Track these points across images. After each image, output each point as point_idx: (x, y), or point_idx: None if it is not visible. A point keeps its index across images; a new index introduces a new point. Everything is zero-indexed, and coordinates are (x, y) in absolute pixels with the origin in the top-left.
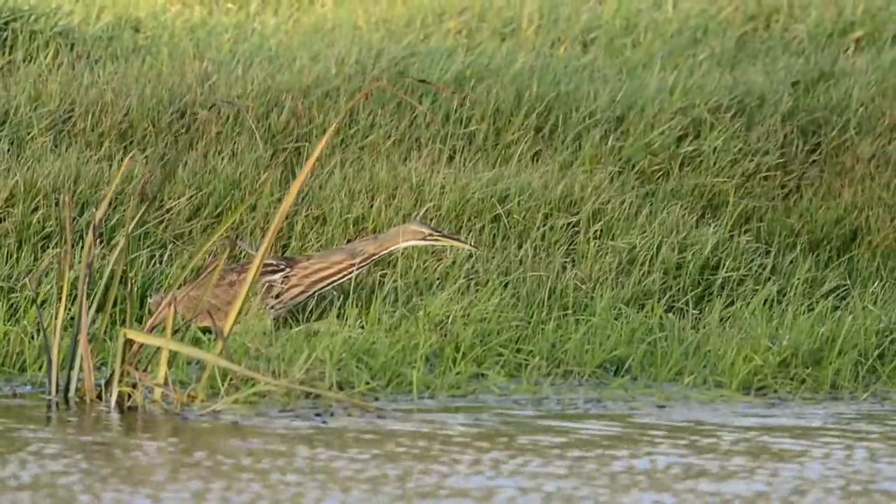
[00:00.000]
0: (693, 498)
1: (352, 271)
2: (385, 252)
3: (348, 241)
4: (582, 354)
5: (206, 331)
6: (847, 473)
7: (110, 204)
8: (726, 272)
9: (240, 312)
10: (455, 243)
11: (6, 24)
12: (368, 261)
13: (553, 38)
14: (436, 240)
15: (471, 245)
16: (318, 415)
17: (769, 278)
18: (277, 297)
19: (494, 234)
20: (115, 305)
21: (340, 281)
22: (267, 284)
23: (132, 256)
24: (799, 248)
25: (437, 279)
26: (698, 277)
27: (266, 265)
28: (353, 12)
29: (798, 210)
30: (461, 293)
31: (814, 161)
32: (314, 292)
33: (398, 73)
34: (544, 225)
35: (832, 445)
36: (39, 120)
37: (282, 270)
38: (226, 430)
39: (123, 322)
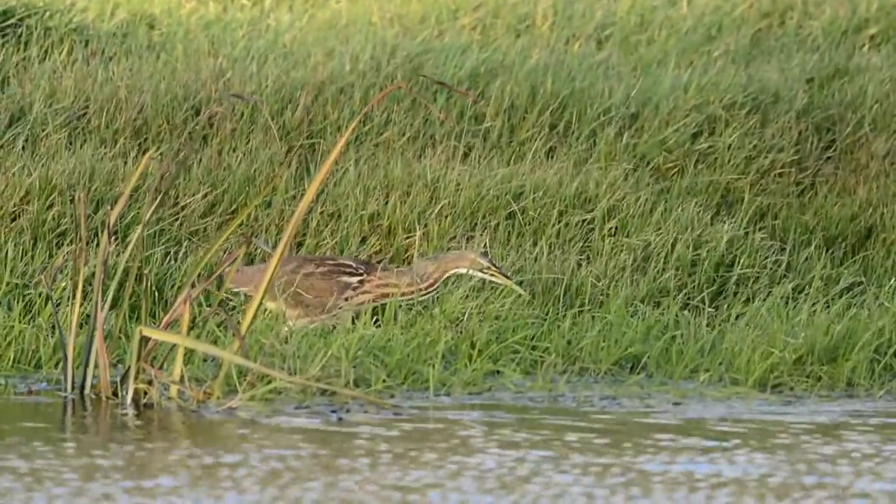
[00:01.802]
0: None
1: (415, 295)
2: (445, 276)
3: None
4: (597, 352)
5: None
6: None
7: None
8: (741, 269)
9: (257, 309)
10: (510, 284)
11: (20, 20)
12: (431, 284)
13: (568, 35)
14: (492, 274)
15: (524, 291)
16: (333, 412)
17: (784, 275)
18: (347, 299)
19: (509, 232)
20: (130, 302)
21: (403, 300)
22: (342, 285)
23: (147, 253)
24: (814, 245)
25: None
26: (713, 274)
27: (345, 266)
28: (368, 9)
29: (813, 207)
30: (476, 291)
31: (828, 158)
32: (379, 304)
33: (413, 70)
34: (559, 222)
35: None
36: (54, 117)
37: (360, 275)
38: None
39: (139, 319)
